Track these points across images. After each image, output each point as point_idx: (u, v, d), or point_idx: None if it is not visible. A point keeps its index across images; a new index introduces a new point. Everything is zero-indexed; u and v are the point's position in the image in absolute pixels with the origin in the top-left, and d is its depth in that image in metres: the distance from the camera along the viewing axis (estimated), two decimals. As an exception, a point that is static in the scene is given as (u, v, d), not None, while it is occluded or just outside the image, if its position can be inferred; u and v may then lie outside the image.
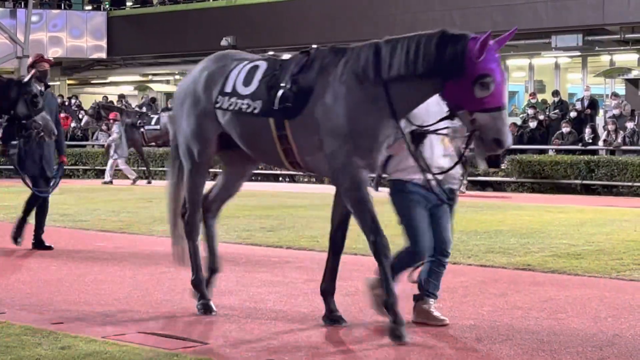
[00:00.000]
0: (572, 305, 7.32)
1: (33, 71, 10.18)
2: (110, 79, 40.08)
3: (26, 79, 9.41)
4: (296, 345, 6.00)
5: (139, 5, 36.36)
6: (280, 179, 25.02)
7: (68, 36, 35.58)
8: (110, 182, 23.87)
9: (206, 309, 6.99)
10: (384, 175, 6.48)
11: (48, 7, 36.19)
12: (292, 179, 24.46)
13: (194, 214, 7.13)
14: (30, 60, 11.10)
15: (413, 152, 6.15)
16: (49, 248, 10.86)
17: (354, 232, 11.87)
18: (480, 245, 10.83)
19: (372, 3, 29.24)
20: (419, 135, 6.20)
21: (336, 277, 6.73)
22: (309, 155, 6.34)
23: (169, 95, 34.13)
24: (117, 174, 25.11)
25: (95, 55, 36.12)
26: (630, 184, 19.69)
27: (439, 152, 6.31)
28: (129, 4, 38.20)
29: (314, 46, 6.85)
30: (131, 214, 14.89)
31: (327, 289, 6.70)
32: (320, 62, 6.37)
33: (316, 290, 7.95)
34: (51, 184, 10.91)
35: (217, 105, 6.66)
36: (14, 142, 10.16)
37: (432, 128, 6.15)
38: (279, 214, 14.79)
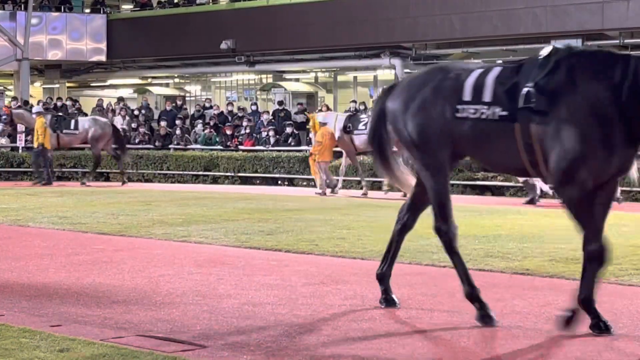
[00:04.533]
0: (570, 310, 7.31)
1: None
2: (110, 81, 40.09)
3: None
4: (295, 348, 6.00)
5: (138, 9, 36.37)
6: (279, 182, 25.03)
7: (68, 39, 35.57)
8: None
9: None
10: None
11: (48, 9, 36.17)
12: (291, 182, 24.46)
13: None
14: None
15: None
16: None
17: (355, 236, 11.82)
18: (478, 249, 10.83)
19: (372, 7, 29.25)
20: None
21: None
22: None
23: (167, 98, 34.11)
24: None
25: (95, 58, 36.11)
26: (628, 189, 19.71)
27: None
28: (129, 6, 38.21)
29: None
30: (130, 217, 14.88)
31: None
32: None
33: (315, 293, 7.97)
34: None
35: None
36: None
37: None
38: (277, 218, 14.79)
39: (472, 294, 6.88)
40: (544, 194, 18.66)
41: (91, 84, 41.36)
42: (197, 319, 6.94)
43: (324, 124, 21.64)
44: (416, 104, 6.95)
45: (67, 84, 39.74)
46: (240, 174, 25.39)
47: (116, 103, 32.47)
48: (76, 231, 13.10)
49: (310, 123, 22.80)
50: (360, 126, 21.29)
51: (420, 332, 6.48)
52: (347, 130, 21.54)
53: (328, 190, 21.27)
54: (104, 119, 26.55)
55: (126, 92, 38.66)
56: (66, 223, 13.99)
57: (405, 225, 7.34)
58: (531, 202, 18.60)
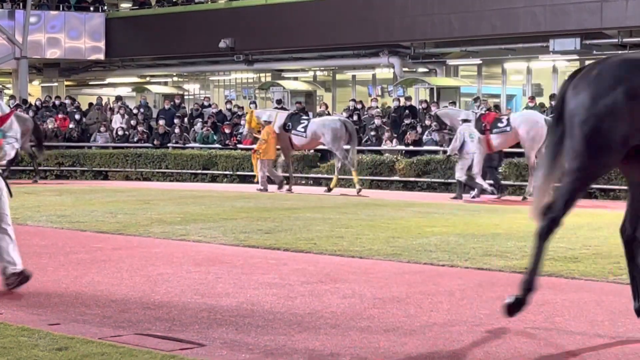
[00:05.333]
0: (569, 309, 7.32)
1: None
2: (108, 80, 40.10)
3: None
4: (293, 347, 6.00)
5: (137, 7, 36.38)
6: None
7: (66, 37, 35.58)
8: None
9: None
10: None
11: (46, 8, 36.17)
12: (289, 181, 24.44)
13: None
14: None
15: None
16: None
17: (353, 234, 11.81)
18: (477, 248, 10.83)
19: (370, 6, 29.26)
20: None
21: None
22: None
23: (166, 96, 34.12)
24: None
25: (94, 57, 36.12)
26: (627, 187, 19.68)
27: None
28: (127, 5, 38.22)
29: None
30: (128, 216, 14.88)
31: None
32: None
33: (313, 292, 7.97)
34: None
35: None
36: None
37: None
38: (276, 216, 14.78)
39: (529, 285, 6.38)
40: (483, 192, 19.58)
41: (90, 83, 41.38)
42: (195, 317, 6.94)
43: (268, 122, 22.17)
44: (605, 105, 6.09)
45: (66, 83, 39.76)
46: (238, 173, 25.38)
47: (114, 101, 32.46)
48: (75, 230, 13.10)
49: (247, 117, 23.49)
50: (299, 127, 22.03)
51: (418, 331, 6.48)
52: (286, 128, 22.18)
53: (276, 187, 22.12)
54: (25, 115, 26.33)
55: (125, 91, 38.67)
56: (65, 222, 13.98)
57: (635, 239, 6.80)
58: (459, 198, 19.41)
